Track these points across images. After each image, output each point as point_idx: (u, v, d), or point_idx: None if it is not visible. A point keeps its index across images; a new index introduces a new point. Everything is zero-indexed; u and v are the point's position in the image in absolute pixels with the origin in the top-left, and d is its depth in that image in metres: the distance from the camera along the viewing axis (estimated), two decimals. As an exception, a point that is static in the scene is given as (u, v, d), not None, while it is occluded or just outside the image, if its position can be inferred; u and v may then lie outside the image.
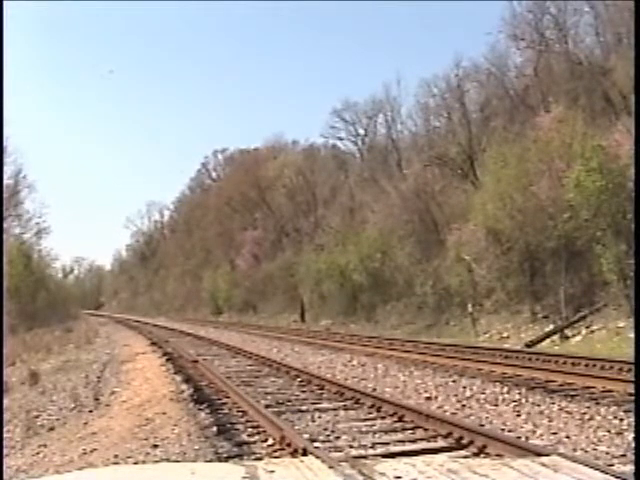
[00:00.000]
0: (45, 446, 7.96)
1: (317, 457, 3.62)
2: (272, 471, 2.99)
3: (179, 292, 67.49)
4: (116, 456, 6.36)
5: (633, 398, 7.30)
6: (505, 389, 9.36)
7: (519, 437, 6.36)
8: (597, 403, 7.97)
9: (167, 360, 15.80)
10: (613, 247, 17.61)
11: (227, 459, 5.90)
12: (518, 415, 7.56)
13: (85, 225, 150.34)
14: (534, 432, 6.65)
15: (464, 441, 6.17)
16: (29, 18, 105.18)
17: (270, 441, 6.69)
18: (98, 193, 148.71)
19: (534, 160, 21.47)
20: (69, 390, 12.15)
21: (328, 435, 6.89)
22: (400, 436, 6.80)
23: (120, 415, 9.01)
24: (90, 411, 9.88)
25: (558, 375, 10.11)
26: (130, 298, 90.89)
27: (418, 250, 28.35)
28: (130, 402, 9.96)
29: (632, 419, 6.78)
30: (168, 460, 5.92)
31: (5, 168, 36.08)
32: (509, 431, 6.73)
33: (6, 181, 36.60)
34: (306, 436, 6.64)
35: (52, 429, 9.12)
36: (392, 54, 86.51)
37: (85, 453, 6.95)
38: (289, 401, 9.18)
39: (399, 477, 2.84)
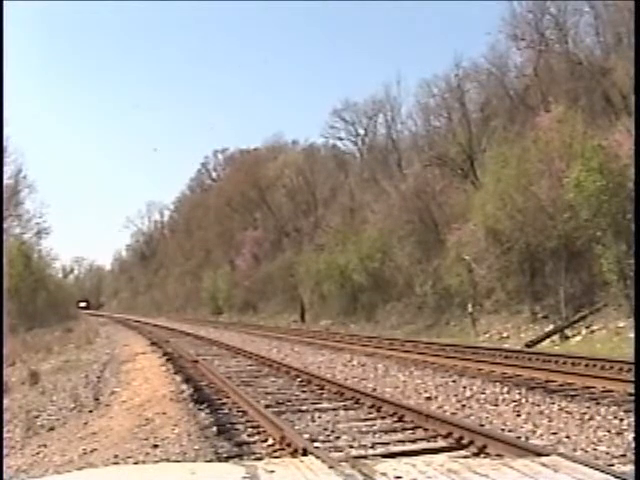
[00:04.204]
0: (45, 446, 7.95)
1: (317, 457, 3.61)
2: (272, 471, 2.99)
3: (179, 292, 67.48)
4: (116, 456, 6.35)
5: (633, 398, 7.30)
6: (505, 389, 9.36)
7: (519, 437, 6.36)
8: (597, 403, 7.97)
9: (167, 360, 15.79)
10: (613, 247, 17.61)
11: (227, 459, 5.91)
12: (518, 415, 7.56)
13: (85, 225, 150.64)
14: (534, 432, 6.66)
15: (464, 441, 6.17)
16: (29, 18, 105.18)
17: (270, 441, 6.69)
18: (98, 193, 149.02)
19: (534, 160, 21.46)
20: (69, 390, 12.15)
21: (328, 435, 6.90)
22: (400, 436, 6.80)
23: (120, 415, 9.01)
24: (90, 411, 9.88)
25: (558, 375, 10.11)
26: (130, 298, 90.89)
27: (418, 250, 28.34)
28: (130, 402, 9.96)
29: (632, 419, 6.78)
30: (168, 460, 5.91)
31: (5, 168, 36.10)
32: (509, 431, 6.73)
33: (6, 181, 36.63)
34: (306, 436, 6.64)
35: (52, 429, 9.11)
36: (392, 54, 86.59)
37: (85, 453, 6.94)
38: (289, 401, 9.18)
39: (399, 477, 2.84)
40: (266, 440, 6.79)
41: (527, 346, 16.18)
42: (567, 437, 6.35)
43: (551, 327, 18.28)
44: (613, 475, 2.77)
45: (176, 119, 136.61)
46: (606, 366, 10.68)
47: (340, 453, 5.90)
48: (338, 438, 6.75)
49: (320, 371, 12.37)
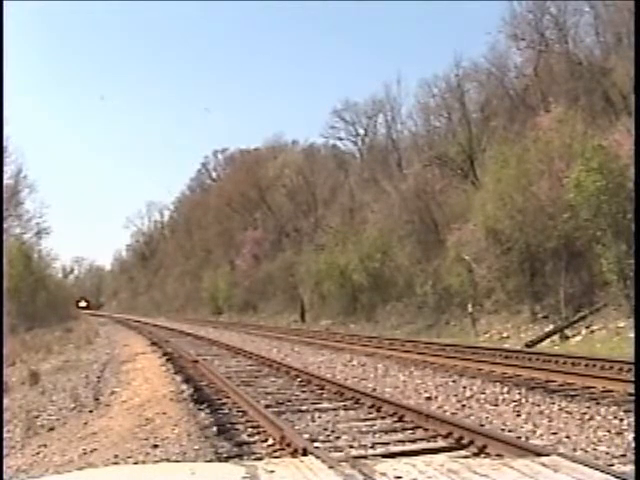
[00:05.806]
0: (45, 446, 7.95)
1: (317, 457, 3.61)
2: (272, 471, 2.99)
3: (179, 292, 67.47)
4: (116, 456, 6.35)
5: (633, 398, 7.30)
6: (505, 389, 9.36)
7: (519, 437, 6.36)
8: (597, 403, 7.97)
9: (167, 360, 15.80)
10: (613, 247, 17.60)
11: (227, 459, 5.91)
12: (518, 415, 7.56)
13: (85, 225, 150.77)
14: (534, 432, 6.65)
15: (464, 441, 6.17)
16: (29, 18, 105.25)
17: (270, 441, 6.69)
18: (98, 193, 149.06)
19: (534, 160, 21.45)
20: (69, 390, 12.15)
21: (328, 435, 6.89)
22: (400, 436, 6.80)
23: (120, 415, 9.01)
24: (90, 411, 9.88)
25: (558, 375, 10.11)
26: (130, 298, 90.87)
27: (418, 250, 28.34)
28: (130, 402, 9.96)
29: (632, 419, 6.78)
30: (168, 460, 5.91)
31: (5, 168, 36.13)
32: (509, 431, 6.73)
33: (6, 181, 36.67)
34: (306, 436, 6.64)
35: (52, 429, 9.12)
36: (392, 54, 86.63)
37: (85, 453, 6.94)
38: (289, 401, 9.18)
39: (399, 477, 2.84)
40: (266, 440, 6.79)
41: (527, 346, 16.18)
42: (567, 437, 6.35)
43: (551, 327, 18.28)
44: (613, 475, 2.77)
45: (176, 119, 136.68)
46: (606, 366, 10.67)
47: (340, 453, 5.90)
48: (338, 438, 6.75)
49: (320, 371, 12.37)
